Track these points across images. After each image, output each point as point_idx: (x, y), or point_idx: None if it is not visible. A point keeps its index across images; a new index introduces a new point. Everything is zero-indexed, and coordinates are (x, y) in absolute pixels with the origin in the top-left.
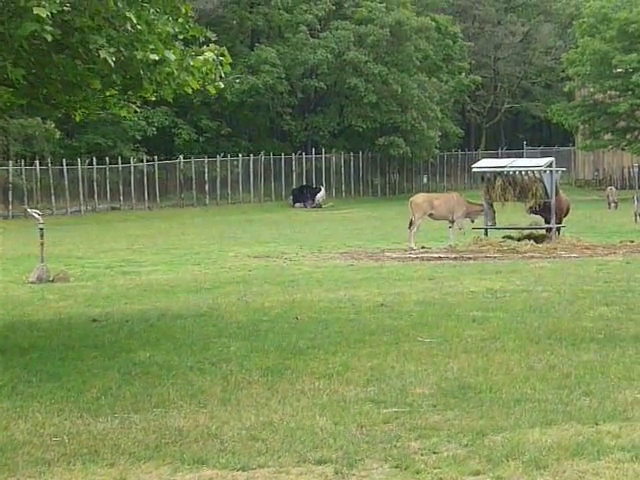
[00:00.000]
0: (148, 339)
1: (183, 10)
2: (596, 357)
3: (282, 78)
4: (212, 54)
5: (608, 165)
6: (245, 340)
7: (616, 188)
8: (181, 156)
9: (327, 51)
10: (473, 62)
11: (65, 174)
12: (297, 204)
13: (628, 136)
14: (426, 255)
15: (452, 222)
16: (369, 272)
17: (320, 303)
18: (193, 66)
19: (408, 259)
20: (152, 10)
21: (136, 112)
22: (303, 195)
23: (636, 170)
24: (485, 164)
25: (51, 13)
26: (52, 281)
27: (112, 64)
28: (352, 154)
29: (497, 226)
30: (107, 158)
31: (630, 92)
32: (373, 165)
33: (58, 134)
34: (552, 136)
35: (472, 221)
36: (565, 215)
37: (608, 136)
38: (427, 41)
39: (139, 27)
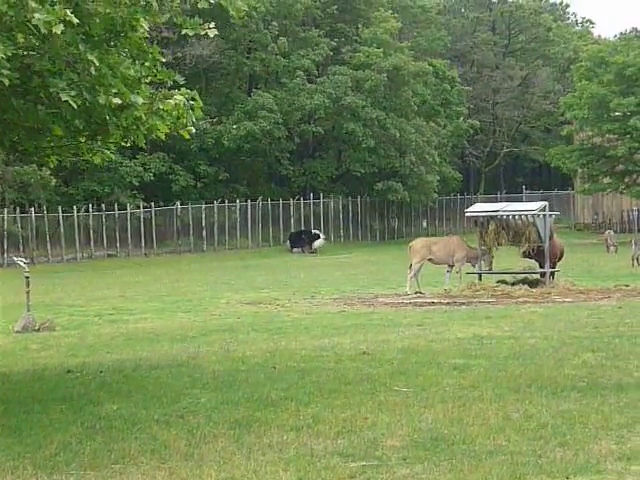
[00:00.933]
0: (119, 391)
1: (151, 54)
2: (576, 406)
3: (279, 123)
4: (182, 98)
5: (607, 208)
6: (217, 391)
7: (615, 232)
8: (178, 202)
9: (324, 96)
10: (472, 106)
11: (61, 221)
12: (295, 249)
13: (626, 179)
14: (419, 300)
15: (451, 266)
16: (359, 318)
17: (302, 351)
18: (163, 110)
19: (401, 305)
20: (117, 53)
21: (110, 160)
22: (301, 240)
23: (635, 214)
24: (478, 208)
25: (7, 56)
26: (38, 330)
27: (75, 107)
28: (350, 199)
29: (492, 271)
30: (103, 205)
31: (628, 135)
32: (372, 210)
33: (54, 181)
34: (551, 180)
35: (473, 266)
36: (559, 259)
37: (607, 180)
38: (425, 86)
39: (102, 71)
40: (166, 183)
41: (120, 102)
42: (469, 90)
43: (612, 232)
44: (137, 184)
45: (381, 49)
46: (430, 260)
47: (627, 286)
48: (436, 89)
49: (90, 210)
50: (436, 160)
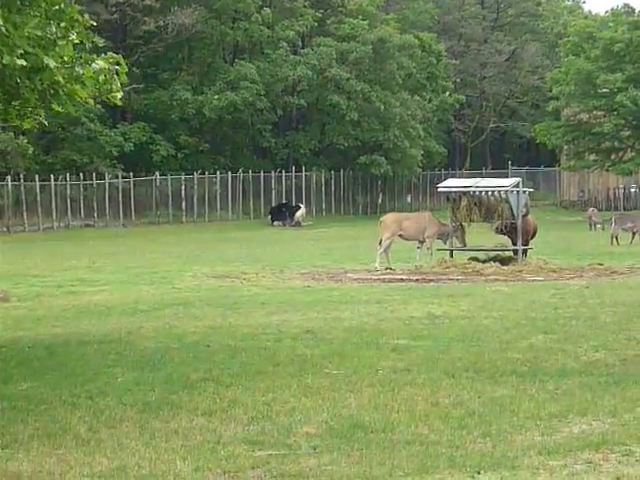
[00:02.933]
0: (37, 368)
1: (68, 14)
2: (510, 393)
3: (262, 95)
4: (104, 63)
5: (593, 186)
6: (138, 371)
7: (600, 209)
8: (157, 172)
9: (308, 68)
10: (459, 81)
11: (37, 190)
12: (276, 222)
13: (612, 157)
14: (388, 277)
15: (422, 242)
16: (320, 294)
17: (245, 329)
18: (84, 75)
19: (369, 280)
20: (30, 13)
21: (44, 125)
22: (282, 213)
23: (621, 191)
24: (450, 184)
25: None
26: None
27: None
28: (333, 172)
29: (465, 247)
30: (81, 174)
31: (615, 112)
32: (355, 184)
33: (31, 149)
34: (539, 156)
35: (444, 242)
36: (532, 237)
37: (592, 157)
38: (410, 59)
39: (3, 29)
40: (146, 153)
41: (25, 64)
42: (456, 64)
43: (595, 210)
44: (117, 154)
45: (367, 21)
46: (400, 236)
47: (601, 265)
48: (422, 63)
49: (68, 179)
50: (420, 134)
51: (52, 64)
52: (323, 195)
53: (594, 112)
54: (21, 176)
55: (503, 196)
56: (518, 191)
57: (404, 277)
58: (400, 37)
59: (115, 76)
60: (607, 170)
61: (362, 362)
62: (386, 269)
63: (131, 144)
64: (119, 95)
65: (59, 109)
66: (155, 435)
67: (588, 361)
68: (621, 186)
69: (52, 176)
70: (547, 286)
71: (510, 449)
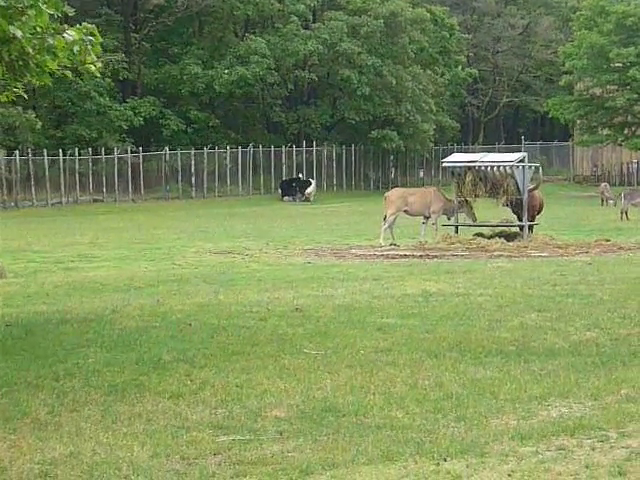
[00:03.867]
0: (10, 348)
1: None
2: (493, 373)
3: (272, 69)
4: (76, 33)
5: (607, 161)
6: (112, 350)
7: (613, 185)
8: (167, 147)
9: (319, 42)
10: (472, 55)
11: (46, 165)
12: (286, 197)
13: (625, 131)
14: (392, 253)
15: (427, 218)
16: (319, 271)
17: (233, 307)
18: (56, 46)
19: (372, 257)
20: None
21: (23, 98)
22: (292, 188)
23: (635, 166)
24: (455, 159)
25: None
26: None
27: None
28: (345, 147)
29: (475, 223)
30: (90, 149)
31: (628, 86)
32: (367, 159)
33: (39, 124)
34: (553, 131)
35: (449, 218)
36: (539, 212)
37: (605, 131)
38: (422, 33)
39: None
40: (156, 128)
41: None
42: (469, 38)
43: (607, 185)
44: (126, 128)
45: None
46: (406, 212)
47: (608, 241)
48: (434, 37)
49: (76, 154)
50: (432, 109)
51: (19, 34)
52: (334, 170)
53: (607, 86)
54: (29, 151)
55: (508, 171)
56: (524, 166)
57: (407, 253)
58: (412, 11)
59: (89, 47)
60: (620, 145)
61: (345, 342)
62: (390, 245)
63: (141, 118)
64: (94, 67)
65: (33, 80)
66: (117, 419)
67: (578, 340)
68: (635, 161)
69: (61, 151)
70: (550, 262)
71: (483, 434)
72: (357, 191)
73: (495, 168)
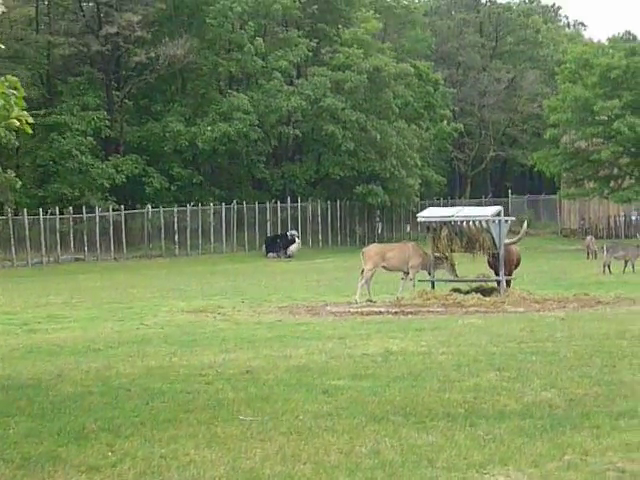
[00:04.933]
0: None
1: None
2: (436, 439)
3: (256, 125)
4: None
5: (594, 214)
6: (38, 419)
7: (600, 238)
8: (149, 205)
9: (302, 98)
10: (457, 109)
11: (26, 224)
12: (270, 254)
13: (611, 184)
14: (367, 309)
15: (406, 273)
16: (286, 330)
17: (183, 369)
18: None
19: (347, 314)
20: None
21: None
22: (276, 245)
23: (622, 219)
24: (431, 213)
25: None
26: None
27: None
28: (330, 203)
29: (445, 278)
30: (71, 208)
31: (613, 139)
32: (352, 214)
33: (19, 183)
34: (542, 184)
35: (429, 273)
36: (516, 267)
37: (591, 184)
38: (407, 88)
39: None
40: (139, 185)
41: None
42: (454, 93)
43: (593, 238)
44: (108, 186)
45: (362, 50)
46: (384, 267)
47: (587, 295)
48: (419, 91)
49: (57, 213)
50: (418, 163)
51: None
52: (320, 226)
53: (592, 139)
54: (9, 210)
55: (484, 226)
56: (500, 220)
57: (382, 310)
58: (396, 66)
59: (13, 101)
60: (606, 198)
61: (285, 406)
62: (367, 301)
63: (123, 176)
64: (18, 122)
65: None
66: None
67: (531, 402)
68: (622, 214)
69: (41, 210)
70: (522, 318)
71: None
72: (343, 247)
73: (471, 222)
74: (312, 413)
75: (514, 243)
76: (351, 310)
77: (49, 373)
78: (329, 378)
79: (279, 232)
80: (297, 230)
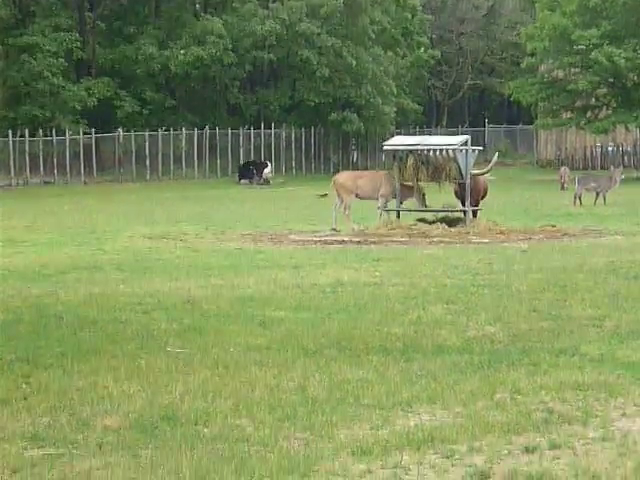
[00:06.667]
0: None
1: None
2: (367, 374)
3: (230, 50)
4: None
5: (571, 145)
6: None
7: (577, 169)
8: (120, 129)
9: (277, 22)
10: (435, 37)
11: None
12: (243, 180)
13: (588, 115)
14: (330, 239)
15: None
16: (242, 258)
17: (125, 298)
18: None
19: (309, 242)
20: None
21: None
22: (249, 171)
23: (598, 150)
24: (397, 142)
25: None
26: None
27: None
28: (304, 130)
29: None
30: (41, 130)
31: (590, 69)
32: (327, 141)
33: None
34: (519, 114)
35: (400, 202)
36: (482, 197)
37: (568, 114)
38: (384, 14)
39: None
40: (111, 109)
41: None
42: (432, 20)
43: (567, 169)
44: (80, 109)
45: None
46: (356, 195)
47: (553, 226)
48: (396, 18)
49: (26, 135)
50: (394, 91)
51: None
52: (293, 153)
53: (570, 69)
54: None
55: (451, 155)
56: (466, 150)
57: (346, 239)
58: None
59: None
60: (582, 128)
61: (218, 339)
62: (331, 230)
63: (95, 99)
64: None
65: None
66: None
67: (473, 337)
68: (598, 144)
69: (10, 132)
70: (483, 249)
71: (323, 448)
72: (317, 174)
73: (437, 152)
74: (244, 346)
75: (483, 174)
76: (314, 239)
77: None
78: (270, 309)
79: (252, 159)
80: (270, 157)
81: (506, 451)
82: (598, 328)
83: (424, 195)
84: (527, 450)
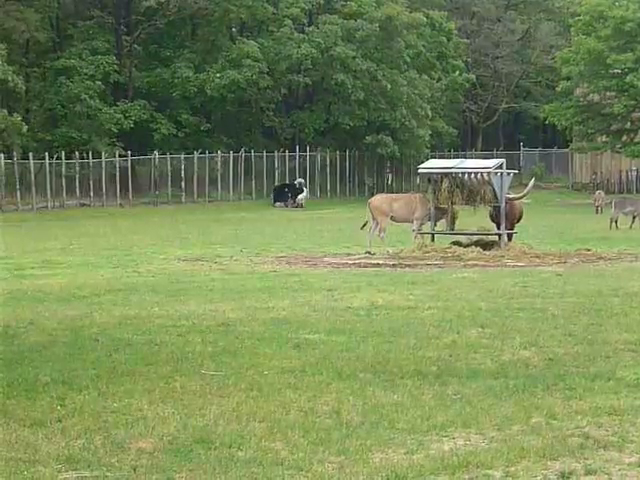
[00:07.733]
0: None
1: None
2: (402, 398)
3: (265, 73)
4: None
5: (606, 168)
6: None
7: (612, 192)
8: (156, 151)
9: (313, 46)
10: (470, 60)
11: (32, 168)
12: (277, 203)
13: (623, 138)
14: (365, 261)
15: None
16: (277, 281)
17: (160, 320)
18: None
19: (344, 265)
20: None
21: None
22: (284, 194)
23: (634, 174)
24: (432, 165)
25: None
26: None
27: None
28: (339, 153)
29: (452, 231)
30: (77, 152)
31: (625, 93)
32: (362, 164)
33: (25, 127)
34: (554, 138)
35: (435, 224)
36: (518, 221)
37: (603, 138)
38: (419, 37)
39: None
40: (147, 132)
41: None
42: (468, 43)
43: (602, 192)
44: (116, 131)
45: None
46: (392, 218)
47: (588, 250)
48: (432, 41)
49: (63, 157)
50: (428, 114)
51: None
52: (328, 176)
53: (605, 93)
54: (14, 154)
55: (486, 178)
56: (501, 173)
57: (380, 262)
58: (409, 15)
59: None
60: (618, 152)
61: (252, 361)
62: (365, 253)
63: (131, 122)
64: None
65: None
66: None
67: (508, 360)
68: (634, 168)
69: (47, 154)
70: (518, 273)
71: (357, 472)
72: (352, 197)
73: (472, 175)
74: (278, 369)
75: (519, 199)
76: (348, 262)
77: (22, 320)
78: (305, 332)
79: (287, 181)
80: (305, 180)
81: (541, 476)
82: (634, 352)
83: (455, 219)
84: (563, 476)
